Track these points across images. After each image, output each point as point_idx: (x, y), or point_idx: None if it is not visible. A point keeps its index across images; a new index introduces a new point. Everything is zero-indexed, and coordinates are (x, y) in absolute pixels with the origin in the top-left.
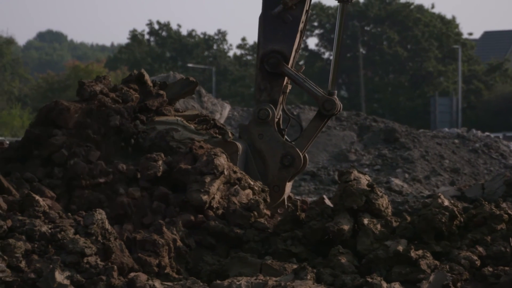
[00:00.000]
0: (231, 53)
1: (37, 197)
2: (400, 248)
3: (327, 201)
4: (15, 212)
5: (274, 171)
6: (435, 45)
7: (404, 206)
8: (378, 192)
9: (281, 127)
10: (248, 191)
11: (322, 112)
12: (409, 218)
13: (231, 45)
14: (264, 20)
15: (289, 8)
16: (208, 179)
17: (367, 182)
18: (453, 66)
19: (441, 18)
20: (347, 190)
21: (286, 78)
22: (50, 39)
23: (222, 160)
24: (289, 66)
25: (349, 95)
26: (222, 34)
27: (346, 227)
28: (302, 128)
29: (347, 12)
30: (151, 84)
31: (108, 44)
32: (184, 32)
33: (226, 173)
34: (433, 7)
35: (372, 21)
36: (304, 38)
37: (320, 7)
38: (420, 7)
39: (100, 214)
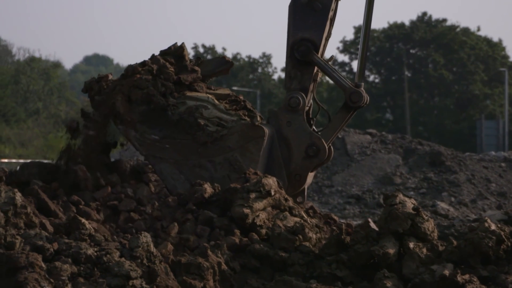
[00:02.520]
0: (275, 76)
1: (83, 220)
2: (446, 272)
3: (372, 225)
4: (61, 235)
5: (297, 160)
6: (481, 68)
7: (450, 230)
8: (424, 216)
9: (311, 116)
10: (298, 219)
11: (348, 104)
12: (455, 242)
13: (275, 68)
14: (294, 8)
15: None
16: (253, 195)
17: (412, 205)
18: (499, 89)
19: (487, 40)
20: (392, 214)
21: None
22: (96, 62)
23: (270, 181)
24: (319, 54)
25: (394, 118)
26: (266, 57)
27: (391, 251)
28: (331, 119)
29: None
30: (188, 59)
31: None
32: (229, 55)
33: (273, 193)
34: (479, 29)
35: (418, 44)
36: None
37: None
38: (466, 30)
39: (145, 237)
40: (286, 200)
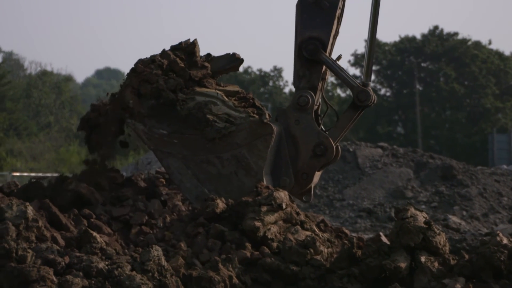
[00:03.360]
0: (286, 90)
1: (94, 234)
2: (458, 286)
3: (384, 238)
4: (72, 248)
5: (305, 159)
6: (492, 82)
7: (462, 244)
8: (436, 230)
9: (319, 114)
10: (309, 233)
11: (356, 103)
12: (467, 256)
13: (286, 81)
14: (302, 7)
15: None
16: (264, 209)
17: (424, 219)
18: (511, 102)
19: (498, 54)
20: (404, 227)
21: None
22: (108, 76)
23: (282, 195)
24: (327, 53)
25: (405, 132)
26: (278, 71)
27: (403, 265)
28: (338, 118)
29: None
30: (198, 55)
31: None
32: (240, 69)
33: (284, 207)
34: (490, 43)
35: (429, 58)
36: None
37: (376, 43)
38: (477, 44)
39: (157, 251)
40: (297, 214)
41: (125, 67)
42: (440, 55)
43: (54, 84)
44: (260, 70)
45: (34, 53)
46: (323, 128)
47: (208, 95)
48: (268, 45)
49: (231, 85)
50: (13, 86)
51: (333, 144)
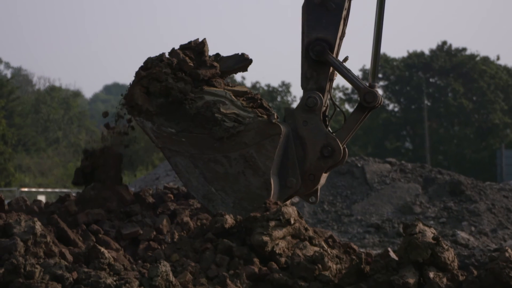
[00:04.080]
0: (295, 105)
1: (102, 249)
2: None
3: (392, 254)
4: (80, 264)
5: (312, 160)
6: (501, 97)
7: (471, 260)
8: (444, 245)
9: (326, 115)
10: (318, 249)
11: (363, 105)
12: (475, 272)
13: (295, 96)
14: (308, 9)
15: None
16: (272, 224)
17: (432, 235)
18: None
19: (507, 70)
20: (412, 243)
21: None
22: (116, 91)
23: (290, 210)
24: (334, 54)
25: (413, 147)
26: (286, 86)
27: (411, 281)
28: (346, 120)
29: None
30: (207, 55)
31: None
32: (248, 84)
33: (293, 222)
34: (498, 59)
35: (437, 73)
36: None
37: (385, 59)
38: (485, 59)
39: (165, 266)
40: (306, 229)
41: None
42: (448, 70)
43: (63, 99)
44: (268, 86)
45: (43, 68)
46: (330, 130)
47: (216, 94)
48: (276, 61)
49: (239, 85)
50: (21, 102)
51: (341, 146)
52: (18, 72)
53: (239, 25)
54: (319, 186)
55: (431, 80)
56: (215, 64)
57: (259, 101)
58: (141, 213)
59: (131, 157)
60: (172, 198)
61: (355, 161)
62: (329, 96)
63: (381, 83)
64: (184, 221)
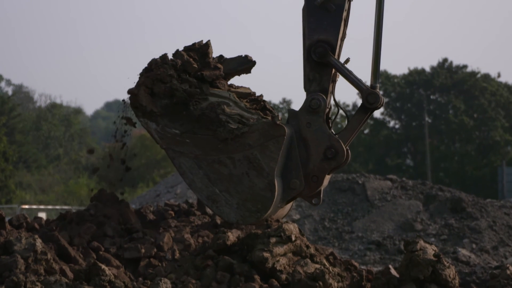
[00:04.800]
0: None
1: (103, 266)
2: None
3: (393, 271)
4: (81, 281)
5: (315, 162)
6: (502, 114)
7: (472, 277)
8: (445, 263)
9: (329, 117)
10: (318, 266)
11: (365, 106)
12: None
13: None
14: (308, 11)
15: None
16: (273, 240)
17: (433, 252)
18: None
19: (507, 87)
20: (413, 260)
21: None
22: (117, 108)
23: (291, 227)
24: (335, 55)
25: (414, 164)
26: (287, 103)
27: None
28: (348, 121)
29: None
30: (211, 57)
31: None
32: None
33: (294, 239)
34: (499, 76)
35: (438, 90)
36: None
37: (385, 76)
38: (486, 76)
39: (165, 284)
40: (307, 246)
41: None
42: (449, 87)
43: (64, 116)
44: (269, 102)
45: (44, 85)
46: (333, 131)
47: (221, 96)
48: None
49: (242, 87)
50: (23, 119)
51: (344, 148)
52: (19, 89)
53: (241, 41)
54: (322, 188)
55: (432, 97)
56: (219, 65)
57: (262, 103)
58: (142, 230)
59: (133, 173)
60: (173, 215)
61: (356, 178)
62: (332, 97)
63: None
64: (185, 238)
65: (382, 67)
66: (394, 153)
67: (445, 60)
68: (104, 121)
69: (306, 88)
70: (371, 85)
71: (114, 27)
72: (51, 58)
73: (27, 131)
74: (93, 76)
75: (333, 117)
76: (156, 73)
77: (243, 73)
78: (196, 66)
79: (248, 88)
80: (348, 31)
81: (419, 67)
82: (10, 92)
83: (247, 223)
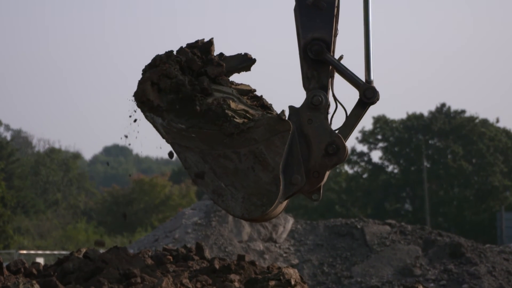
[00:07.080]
0: None
1: None
2: None
3: None
4: None
5: (317, 158)
6: (500, 160)
7: None
8: None
9: (328, 112)
10: None
11: (363, 100)
12: None
13: None
14: (300, 10)
15: None
16: (272, 283)
17: None
18: None
19: (506, 132)
20: None
21: None
22: (115, 153)
23: (291, 271)
24: (330, 52)
25: (413, 209)
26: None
27: None
28: (346, 117)
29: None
30: (213, 54)
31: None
32: None
33: (293, 283)
34: (497, 121)
35: (437, 135)
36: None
37: (384, 120)
38: (484, 121)
39: None
40: None
41: (132, 144)
42: (448, 132)
43: (62, 161)
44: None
45: (43, 130)
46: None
47: (224, 92)
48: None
49: (243, 84)
50: (21, 164)
51: (345, 144)
52: (18, 134)
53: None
54: (322, 183)
55: (430, 142)
56: (222, 63)
57: (261, 100)
58: (140, 275)
59: (131, 217)
60: (171, 259)
61: (355, 223)
62: (331, 93)
63: (380, 144)
64: (184, 283)
65: (380, 111)
66: (392, 198)
67: (443, 105)
68: (102, 166)
69: (305, 86)
70: (366, 80)
71: (111, 71)
72: (50, 103)
73: (26, 176)
74: (92, 121)
75: (333, 112)
76: (162, 68)
77: (243, 71)
78: (200, 63)
79: (249, 86)
80: (341, 28)
81: (418, 112)
82: (8, 137)
83: (252, 216)
